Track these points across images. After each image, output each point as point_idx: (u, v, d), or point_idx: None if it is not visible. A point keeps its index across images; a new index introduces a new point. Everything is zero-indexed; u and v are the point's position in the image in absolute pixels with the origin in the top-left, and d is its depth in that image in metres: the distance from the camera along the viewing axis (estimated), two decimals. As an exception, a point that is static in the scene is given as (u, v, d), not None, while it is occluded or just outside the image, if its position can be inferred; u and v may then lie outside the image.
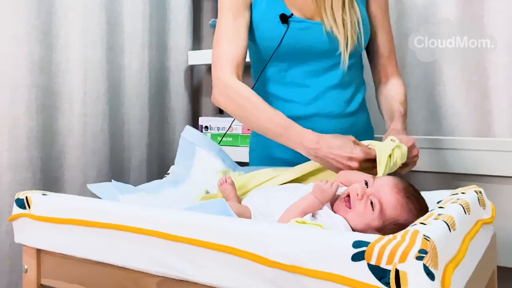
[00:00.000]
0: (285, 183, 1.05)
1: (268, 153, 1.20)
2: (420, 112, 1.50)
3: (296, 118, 1.08)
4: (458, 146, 1.37)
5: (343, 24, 1.10)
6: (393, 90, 1.19)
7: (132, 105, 1.66)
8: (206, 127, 1.87)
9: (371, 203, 0.80)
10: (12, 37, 1.30)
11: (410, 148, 0.98)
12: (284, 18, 1.11)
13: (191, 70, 1.94)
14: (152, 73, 1.74)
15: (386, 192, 0.81)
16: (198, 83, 2.03)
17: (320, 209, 0.83)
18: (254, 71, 1.22)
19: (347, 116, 1.16)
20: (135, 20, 1.66)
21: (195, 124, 1.96)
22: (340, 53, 1.12)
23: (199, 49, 1.99)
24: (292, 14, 1.12)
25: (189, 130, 1.25)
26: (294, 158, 1.08)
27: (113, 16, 1.59)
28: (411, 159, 0.99)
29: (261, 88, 1.19)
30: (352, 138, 0.98)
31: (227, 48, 1.11)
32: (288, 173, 1.05)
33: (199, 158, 1.19)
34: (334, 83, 1.14)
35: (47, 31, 1.39)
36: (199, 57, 1.87)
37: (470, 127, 1.42)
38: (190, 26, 1.90)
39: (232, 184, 1.02)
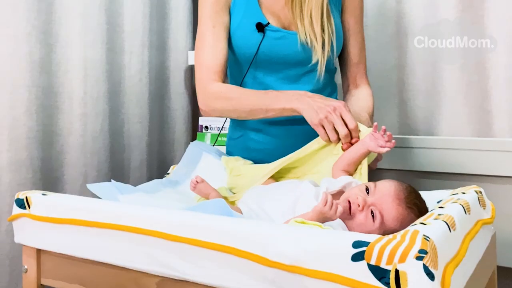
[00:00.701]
0: (281, 178, 1.05)
1: (246, 155, 1.21)
2: (420, 112, 1.50)
3: (271, 123, 1.11)
4: (458, 146, 1.37)
5: (322, 34, 1.12)
6: (362, 100, 1.20)
7: (132, 105, 1.66)
8: (206, 127, 1.87)
9: (372, 213, 0.80)
10: (12, 37, 1.30)
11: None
12: (260, 27, 1.13)
13: (191, 70, 1.94)
14: (152, 73, 1.74)
15: (387, 203, 0.80)
16: (198, 83, 2.03)
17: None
18: (230, 75, 1.25)
19: None
20: (135, 20, 1.66)
21: (195, 124, 1.96)
22: (314, 62, 1.13)
23: (199, 49, 1.99)
24: (268, 23, 1.13)
25: (197, 142, 1.29)
26: (271, 160, 1.10)
27: (113, 16, 1.59)
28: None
29: None
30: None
31: (208, 56, 1.14)
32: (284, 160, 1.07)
33: (204, 162, 1.20)
34: (308, 89, 1.16)
35: (47, 31, 1.39)
36: (199, 57, 1.87)
37: (470, 127, 1.42)
38: (190, 26, 1.90)
39: (203, 181, 1.03)
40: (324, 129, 1.00)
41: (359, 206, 0.80)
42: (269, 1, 1.16)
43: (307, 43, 1.12)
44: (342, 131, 0.97)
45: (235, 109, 1.11)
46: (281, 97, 1.06)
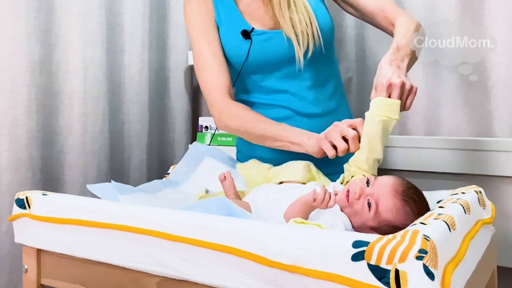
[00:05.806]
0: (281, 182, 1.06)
1: (253, 153, 1.21)
2: (420, 112, 1.50)
3: (277, 120, 1.10)
4: (458, 146, 1.37)
5: (290, 21, 1.11)
6: (397, 27, 1.12)
7: (132, 105, 1.66)
8: (206, 127, 1.87)
9: (369, 203, 0.81)
10: (12, 37, 1.30)
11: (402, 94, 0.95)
12: (246, 34, 1.14)
13: (191, 70, 1.94)
14: (152, 73, 1.74)
15: (384, 194, 0.82)
16: (198, 83, 2.03)
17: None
18: (235, 86, 1.25)
19: (328, 114, 1.18)
20: (135, 20, 1.66)
21: (195, 124, 1.95)
22: (308, 56, 1.12)
23: (199, 49, 1.99)
24: (253, 29, 1.14)
25: (198, 143, 1.28)
26: (276, 157, 1.10)
27: (113, 16, 1.59)
28: (406, 98, 0.97)
29: (242, 99, 1.22)
30: None
31: (211, 73, 1.15)
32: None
33: (205, 165, 1.20)
34: (310, 83, 1.16)
35: (47, 31, 1.39)
36: (199, 57, 1.87)
37: (469, 127, 1.42)
38: (190, 26, 1.89)
39: (232, 180, 1.03)
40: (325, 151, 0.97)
41: (355, 194, 0.83)
42: (249, 9, 1.18)
43: (291, 38, 1.12)
44: (340, 145, 0.94)
45: (246, 130, 1.11)
46: (294, 131, 1.04)
